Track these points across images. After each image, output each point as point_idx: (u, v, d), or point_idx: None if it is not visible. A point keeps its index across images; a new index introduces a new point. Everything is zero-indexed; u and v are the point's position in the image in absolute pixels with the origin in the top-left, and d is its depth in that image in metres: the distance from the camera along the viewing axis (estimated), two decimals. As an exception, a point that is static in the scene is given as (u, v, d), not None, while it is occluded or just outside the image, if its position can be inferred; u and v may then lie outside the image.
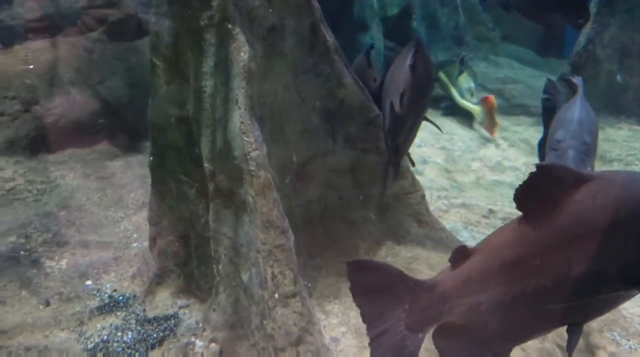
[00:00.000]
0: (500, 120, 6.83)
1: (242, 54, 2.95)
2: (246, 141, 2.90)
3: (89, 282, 3.87)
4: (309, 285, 3.10)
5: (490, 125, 6.29)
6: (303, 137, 3.45)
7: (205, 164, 3.18)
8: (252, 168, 2.88)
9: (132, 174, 5.65)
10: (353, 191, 3.54)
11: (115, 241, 4.43)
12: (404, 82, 2.84)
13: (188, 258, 3.61)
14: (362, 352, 2.88)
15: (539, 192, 1.68)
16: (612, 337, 3.34)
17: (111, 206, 5.01)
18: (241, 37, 2.96)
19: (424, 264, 3.34)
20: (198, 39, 3.11)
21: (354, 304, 3.16)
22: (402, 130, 2.84)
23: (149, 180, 5.52)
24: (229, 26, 2.97)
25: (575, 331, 1.75)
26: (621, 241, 1.65)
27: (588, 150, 2.94)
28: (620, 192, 1.67)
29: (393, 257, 3.38)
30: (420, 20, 10.07)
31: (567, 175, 1.68)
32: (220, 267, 3.16)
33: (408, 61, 2.88)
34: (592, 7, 6.13)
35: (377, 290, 1.79)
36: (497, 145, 6.02)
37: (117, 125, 6.29)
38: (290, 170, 3.41)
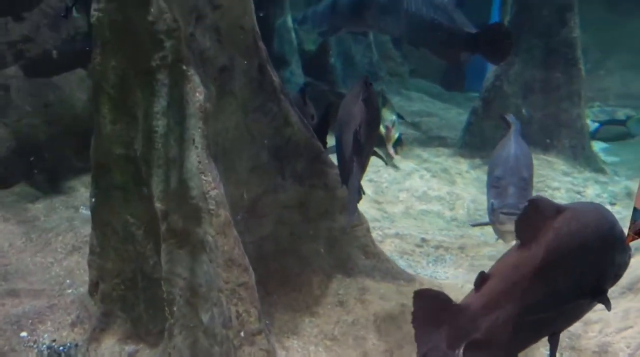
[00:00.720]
0: (420, 152, 7.18)
1: (197, 94, 2.98)
2: (204, 180, 2.91)
3: (24, 334, 3.65)
4: (267, 322, 3.12)
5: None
6: (253, 175, 3.51)
7: (157, 204, 3.14)
8: (211, 207, 2.89)
9: (58, 217, 5.41)
10: (303, 225, 3.62)
11: (48, 288, 4.21)
12: (359, 114, 3.05)
13: (135, 301, 3.51)
14: (325, 385, 2.93)
15: (528, 223, 2.04)
16: (547, 351, 3.60)
17: (38, 252, 4.76)
18: (196, 78, 3.00)
19: (375, 295, 3.46)
20: (149, 79, 3.11)
21: (312, 339, 3.23)
22: (362, 161, 3.04)
23: (76, 222, 5.36)
24: (184, 67, 3.00)
25: (555, 339, 2.16)
26: (589, 259, 2.06)
27: (526, 185, 3.19)
28: (587, 220, 2.07)
29: (345, 290, 3.48)
30: (336, 56, 10.41)
31: (548, 207, 2.05)
32: (174, 308, 3.11)
33: (361, 96, 3.10)
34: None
35: (427, 314, 2.04)
36: (421, 176, 6.33)
37: (36, 165, 6.02)
38: (241, 208, 3.44)
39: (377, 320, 3.29)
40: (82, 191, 6.05)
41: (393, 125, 6.74)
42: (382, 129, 6.84)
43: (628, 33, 10.40)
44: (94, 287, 3.68)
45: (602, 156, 7.13)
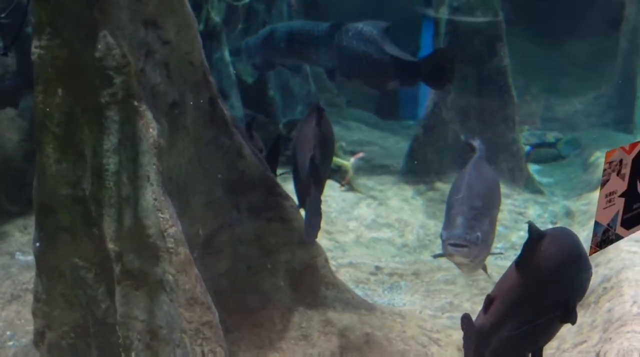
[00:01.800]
0: (365, 180, 7.26)
1: (150, 130, 2.92)
2: (162, 218, 2.83)
3: (-38, 393, 3.38)
4: (231, 361, 3.03)
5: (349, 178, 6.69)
6: (208, 210, 3.44)
7: (110, 245, 3.03)
8: (170, 245, 2.81)
9: (-8, 264, 5.09)
10: (260, 260, 3.57)
11: (-14, 341, 3.94)
12: (312, 139, 3.13)
13: (87, 349, 3.33)
14: None
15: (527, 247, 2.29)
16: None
17: (-28, 302, 4.46)
18: (148, 114, 2.94)
19: (338, 326, 3.43)
20: (98, 116, 3.02)
21: (279, 375, 3.14)
22: (320, 182, 3.11)
23: (13, 269, 5.07)
24: (135, 103, 2.93)
25: (539, 354, 2.36)
26: (565, 278, 2.31)
27: (478, 215, 3.16)
28: (561, 243, 2.36)
29: (307, 322, 3.42)
30: (275, 88, 10.47)
31: (535, 232, 2.29)
32: (132, 354, 2.97)
33: (314, 122, 3.19)
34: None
35: (468, 338, 2.23)
36: (368, 205, 6.39)
37: (-35, 210, 5.68)
38: (197, 244, 3.36)
39: (343, 352, 3.26)
40: (16, 236, 5.75)
41: (344, 152, 6.79)
42: (346, 163, 6.89)
43: (547, 61, 11.02)
44: (39, 337, 3.47)
45: (537, 178, 7.44)
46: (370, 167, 7.85)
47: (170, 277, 2.79)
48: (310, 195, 3.14)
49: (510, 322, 2.21)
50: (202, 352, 2.65)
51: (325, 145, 3.35)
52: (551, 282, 2.27)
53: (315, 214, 3.16)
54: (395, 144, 9.55)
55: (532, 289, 2.23)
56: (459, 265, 3.33)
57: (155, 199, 2.85)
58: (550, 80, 10.99)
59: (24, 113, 6.13)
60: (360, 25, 5.53)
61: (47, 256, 3.33)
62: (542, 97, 10.97)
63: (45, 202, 3.28)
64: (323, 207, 3.46)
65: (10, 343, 3.89)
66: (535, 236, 2.26)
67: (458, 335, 3.87)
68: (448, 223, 3.27)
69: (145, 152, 2.90)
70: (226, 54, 9.64)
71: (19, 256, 5.31)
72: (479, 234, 3.14)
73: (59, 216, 3.25)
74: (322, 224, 5.87)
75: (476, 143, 3.76)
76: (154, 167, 2.88)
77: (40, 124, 3.18)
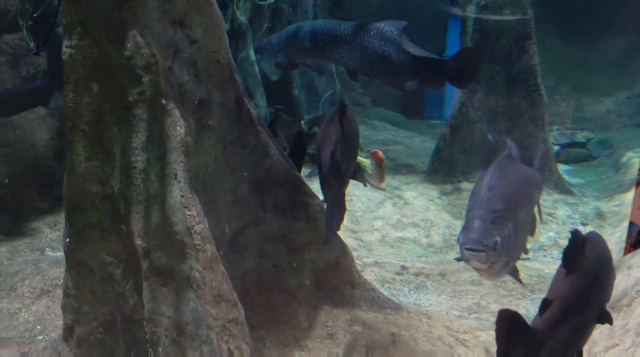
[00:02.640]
0: (390, 179, 7.22)
1: (178, 128, 2.93)
2: (189, 215, 2.85)
3: (-6, 386, 3.45)
4: (256, 359, 3.03)
5: (379, 177, 6.65)
6: (234, 208, 3.45)
7: (138, 242, 3.05)
8: (197, 242, 2.82)
9: (23, 260, 5.19)
10: (286, 258, 3.56)
11: (16, 335, 4.00)
12: (335, 134, 3.12)
13: (115, 345, 3.36)
14: None
15: (573, 252, 2.36)
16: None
17: (3, 297, 4.55)
18: (176, 112, 2.96)
19: (364, 325, 3.41)
20: (126, 114, 3.05)
21: (303, 374, 3.14)
22: (341, 176, 3.14)
23: (43, 265, 5.16)
24: (163, 101, 2.95)
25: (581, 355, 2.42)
26: (603, 281, 2.38)
27: (498, 218, 2.97)
28: (598, 247, 2.44)
29: (333, 321, 3.41)
30: (300, 88, 10.49)
31: (579, 238, 2.36)
32: (159, 349, 3.00)
33: (337, 119, 3.29)
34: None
35: (509, 336, 2.25)
36: (394, 204, 6.35)
37: (-4, 207, 5.80)
38: (223, 242, 3.37)
39: (369, 351, 3.24)
40: (46, 233, 5.87)
41: (361, 149, 6.77)
42: (364, 160, 6.87)
43: (578, 60, 10.81)
44: (69, 332, 3.52)
45: (567, 178, 7.31)
46: (396, 167, 7.81)
47: (197, 274, 2.80)
48: (332, 189, 3.16)
49: (563, 326, 2.28)
50: (228, 349, 2.66)
51: (349, 141, 3.36)
52: (597, 285, 2.36)
53: (336, 207, 3.16)
54: (421, 144, 9.48)
55: (584, 293, 2.33)
56: (478, 271, 3.19)
57: (183, 197, 2.87)
58: (581, 79, 10.78)
59: (54, 112, 6.24)
60: (382, 24, 5.52)
61: (77, 252, 3.37)
62: (573, 96, 10.77)
63: (74, 200, 3.32)
64: (348, 205, 3.44)
65: (40, 337, 3.96)
66: (580, 241, 2.33)
67: (485, 336, 3.84)
68: (465, 227, 3.12)
69: (172, 150, 2.92)
70: (251, 53, 9.68)
71: (49, 252, 5.42)
72: (497, 238, 2.94)
73: (88, 213, 3.28)
74: (347, 223, 5.86)
75: (510, 142, 3.56)
76: (182, 164, 2.90)
77: (70, 123, 3.22)
